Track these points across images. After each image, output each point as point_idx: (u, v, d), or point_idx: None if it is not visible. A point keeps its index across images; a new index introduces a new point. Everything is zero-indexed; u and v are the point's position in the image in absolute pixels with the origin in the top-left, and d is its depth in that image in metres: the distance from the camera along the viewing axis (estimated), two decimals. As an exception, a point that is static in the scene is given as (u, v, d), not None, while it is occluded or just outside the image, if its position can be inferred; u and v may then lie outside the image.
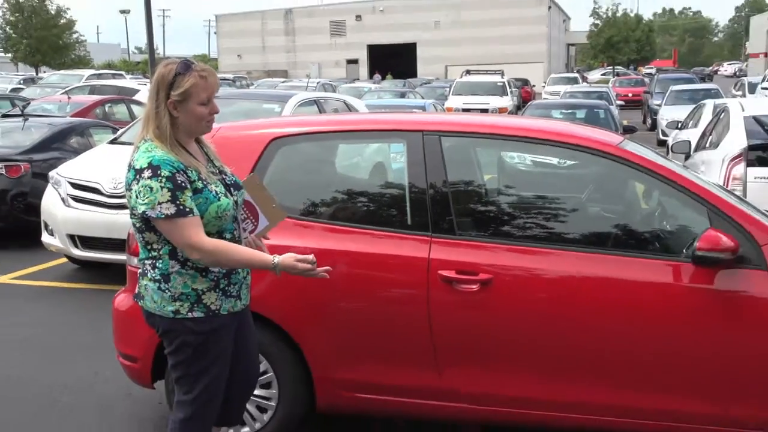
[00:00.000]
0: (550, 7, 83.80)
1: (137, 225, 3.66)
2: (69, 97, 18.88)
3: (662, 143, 21.40)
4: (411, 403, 4.68)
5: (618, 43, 75.39)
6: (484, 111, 27.88)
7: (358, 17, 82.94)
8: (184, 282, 3.61)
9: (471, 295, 4.47)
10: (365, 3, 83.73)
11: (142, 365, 4.97)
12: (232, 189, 3.77)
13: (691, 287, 4.38)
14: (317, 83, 32.82)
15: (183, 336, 3.66)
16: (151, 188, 3.41)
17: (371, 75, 67.04)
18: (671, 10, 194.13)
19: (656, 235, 4.75)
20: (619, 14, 78.00)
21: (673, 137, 16.42)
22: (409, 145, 4.78)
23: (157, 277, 3.65)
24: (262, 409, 4.79)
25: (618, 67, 74.53)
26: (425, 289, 4.48)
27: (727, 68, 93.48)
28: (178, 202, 3.43)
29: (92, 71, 44.33)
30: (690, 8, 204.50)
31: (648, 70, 74.65)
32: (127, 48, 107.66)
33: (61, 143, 11.77)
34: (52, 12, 58.66)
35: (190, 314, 3.62)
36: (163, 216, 3.43)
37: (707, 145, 10.50)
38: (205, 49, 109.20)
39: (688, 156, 11.56)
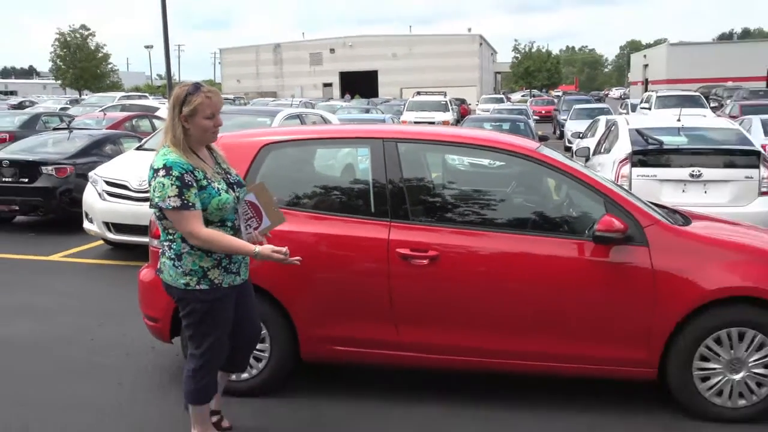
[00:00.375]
0: (481, 44, 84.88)
1: (156, 213, 3.77)
2: (104, 114, 18.87)
3: (568, 149, 21.56)
4: (375, 353, 4.68)
5: (533, 72, 76.44)
6: (431, 123, 27.96)
7: (332, 50, 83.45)
8: (193, 260, 3.68)
9: (422, 268, 4.48)
10: (338, 39, 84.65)
11: (162, 324, 4.97)
12: (234, 187, 3.81)
13: (592, 260, 4.42)
14: (300, 102, 32.72)
15: (193, 303, 3.73)
16: (164, 184, 3.50)
17: (342, 95, 67.14)
18: (573, 47, 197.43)
19: (565, 220, 4.79)
20: (533, 50, 79.08)
21: (576, 144, 16.58)
22: (372, 149, 4.78)
23: (172, 256, 3.72)
24: (257, 359, 4.76)
25: (534, 90, 75.10)
26: (386, 264, 4.50)
27: (615, 92, 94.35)
28: (183, 197, 3.51)
29: (123, 93, 44.76)
30: (587, 46, 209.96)
31: (556, 93, 75.22)
32: (150, 75, 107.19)
33: (98, 150, 11.74)
34: (92, 48, 60.06)
35: (198, 286, 3.70)
36: (170, 207, 3.52)
37: (602, 150, 10.62)
38: (212, 76, 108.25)
39: (587, 159, 11.66)
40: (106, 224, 9.09)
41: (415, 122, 28.07)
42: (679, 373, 4.46)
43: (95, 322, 6.60)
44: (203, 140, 3.73)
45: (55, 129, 15.96)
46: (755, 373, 4.45)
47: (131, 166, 9.38)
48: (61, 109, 30.41)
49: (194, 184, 3.55)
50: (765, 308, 4.38)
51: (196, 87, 3.64)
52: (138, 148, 10.64)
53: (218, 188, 3.66)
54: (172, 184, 3.49)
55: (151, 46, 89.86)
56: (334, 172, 5.48)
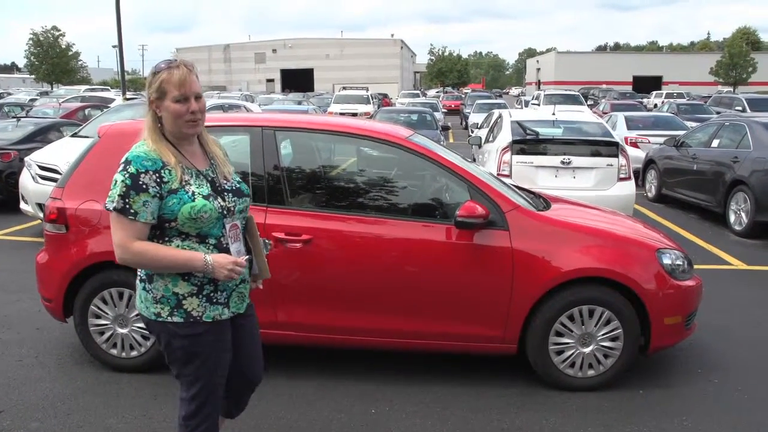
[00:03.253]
0: (402, 47, 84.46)
1: None
2: (60, 103, 17.72)
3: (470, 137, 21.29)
4: None
5: (446, 72, 76.64)
6: (354, 114, 27.35)
7: (275, 50, 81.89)
8: (165, 285, 2.46)
9: (296, 251, 3.91)
10: (279, 40, 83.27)
11: (55, 305, 4.32)
12: (228, 195, 2.53)
13: (457, 243, 3.95)
14: (242, 95, 31.58)
15: (168, 337, 2.51)
16: (116, 181, 2.39)
17: (283, 90, 65.75)
18: (480, 52, 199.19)
19: (433, 205, 4.27)
20: (446, 53, 79.25)
21: (473, 134, 16.24)
22: (252, 137, 4.14)
23: (143, 277, 2.53)
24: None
25: (447, 87, 75.02)
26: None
27: (514, 91, 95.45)
28: (127, 200, 2.35)
29: (87, 87, 42.98)
30: (492, 51, 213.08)
31: (466, 91, 75.40)
32: (119, 71, 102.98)
33: (43, 136, 10.84)
34: (63, 46, 57.84)
35: (170, 318, 2.47)
36: (109, 207, 2.40)
37: (490, 139, 10.22)
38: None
39: (480, 146, 11.28)
40: (39, 205, 8.25)
41: (340, 114, 27.41)
42: (536, 348, 4.05)
43: (15, 297, 5.83)
44: (176, 131, 2.46)
45: (13, 117, 14.87)
46: (603, 346, 4.08)
47: (63, 151, 8.72)
48: (31, 100, 28.53)
49: (149, 189, 2.36)
50: (612, 287, 4.01)
51: (167, 63, 2.46)
52: (73, 135, 9.97)
53: (193, 193, 2.42)
54: (122, 182, 2.36)
55: (117, 46, 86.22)
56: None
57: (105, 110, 11.80)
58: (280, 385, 4.10)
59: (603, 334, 4.06)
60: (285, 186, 4.06)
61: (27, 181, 8.60)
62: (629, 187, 7.90)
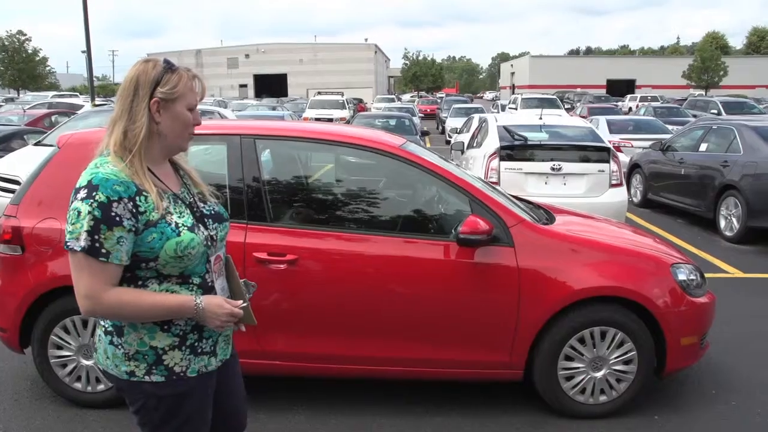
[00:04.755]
0: (376, 52, 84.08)
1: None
2: (24, 110, 17.09)
3: (448, 143, 21.03)
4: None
5: (420, 77, 76.74)
6: (330, 120, 26.98)
7: (247, 56, 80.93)
8: (140, 338, 1.97)
9: (280, 273, 3.53)
10: (252, 45, 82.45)
11: (10, 335, 3.87)
12: (208, 221, 2.07)
13: (457, 262, 3.60)
14: (214, 100, 31.01)
15: (143, 399, 2.02)
16: (79, 213, 1.84)
17: (256, 95, 65.09)
18: (454, 56, 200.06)
19: (431, 220, 3.91)
20: (420, 58, 79.33)
21: (454, 139, 15.96)
22: (229, 147, 3.74)
23: (110, 329, 2.01)
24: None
25: (422, 92, 74.96)
26: (242, 269, 3.45)
27: (488, 95, 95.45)
28: (96, 237, 1.83)
29: (55, 93, 42.10)
30: (465, 56, 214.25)
31: (440, 95, 75.40)
32: (88, 77, 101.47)
33: (5, 145, 10.22)
34: (30, 51, 56.45)
35: (148, 377, 1.98)
36: (73, 247, 1.85)
37: (474, 145, 9.90)
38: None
39: (462, 152, 10.98)
40: (-1, 217, 7.71)
41: (316, 119, 26.99)
42: (544, 374, 3.72)
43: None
44: (174, 144, 2.02)
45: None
46: (615, 369, 3.77)
47: (24, 161, 8.08)
48: (-5, 107, 27.65)
49: (123, 222, 1.86)
50: (625, 307, 3.70)
51: (172, 64, 2.01)
52: (36, 144, 9.36)
53: (177, 225, 1.95)
54: (89, 213, 1.82)
55: (85, 51, 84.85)
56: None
57: (72, 117, 11.23)
58: (267, 419, 3.72)
59: (616, 358, 3.75)
60: (267, 200, 3.67)
61: None
62: (621, 194, 7.65)
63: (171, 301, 1.93)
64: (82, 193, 1.85)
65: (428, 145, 22.66)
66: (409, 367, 3.69)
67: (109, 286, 1.88)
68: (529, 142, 7.92)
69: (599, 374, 3.77)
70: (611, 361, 3.75)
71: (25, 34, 56.82)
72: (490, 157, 7.79)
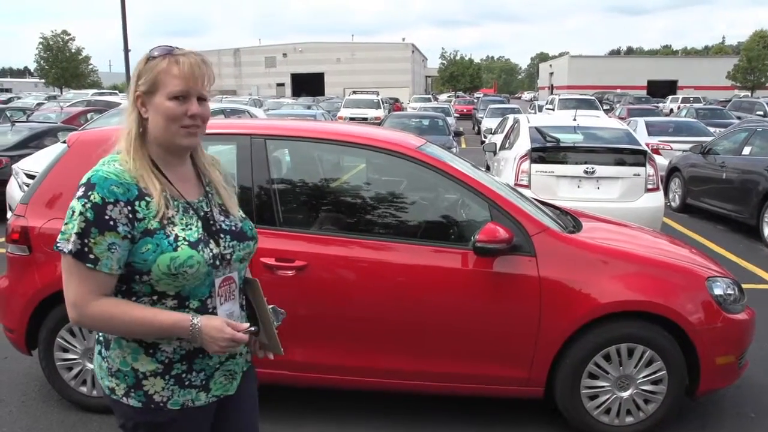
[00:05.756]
0: (413, 51, 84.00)
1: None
2: (62, 108, 17.30)
3: (483, 143, 20.72)
4: None
5: (457, 76, 76.28)
6: (365, 119, 26.89)
7: (285, 55, 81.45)
8: (123, 357, 1.78)
9: (288, 280, 3.37)
10: (289, 45, 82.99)
11: (17, 336, 3.80)
12: (224, 237, 1.83)
13: (474, 271, 3.39)
14: (250, 99, 31.20)
15: (122, 419, 1.84)
16: (73, 212, 1.68)
17: (294, 94, 65.45)
18: (492, 56, 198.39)
19: (447, 227, 3.71)
20: (458, 57, 78.91)
21: (488, 140, 15.69)
22: (239, 146, 3.59)
23: (100, 338, 1.86)
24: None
25: (459, 92, 74.51)
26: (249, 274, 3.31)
27: (527, 95, 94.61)
28: (85, 241, 1.65)
29: (95, 90, 42.82)
30: (504, 56, 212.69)
31: (478, 95, 74.92)
32: (127, 75, 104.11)
33: (37, 142, 10.28)
34: (73, 50, 57.77)
35: (125, 399, 1.79)
36: (61, 249, 1.68)
37: (506, 146, 9.66)
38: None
39: (495, 153, 10.72)
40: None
41: (350, 118, 26.92)
42: (566, 392, 3.49)
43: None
44: (165, 140, 1.76)
45: (14, 122, 14.48)
46: (643, 389, 3.52)
47: (50, 158, 8.09)
48: (38, 104, 28.16)
49: (117, 227, 1.66)
50: (655, 322, 3.45)
51: (167, 49, 1.77)
52: (65, 141, 9.33)
53: (176, 237, 1.72)
54: (80, 214, 1.65)
55: (130, 50, 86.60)
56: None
57: (104, 114, 11.25)
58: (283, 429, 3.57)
59: (644, 377, 3.50)
60: (276, 203, 3.52)
61: (14, 190, 8.09)
62: (658, 199, 7.32)
63: (164, 319, 1.71)
64: (79, 191, 1.69)
65: (463, 146, 22.40)
66: (421, 381, 3.50)
67: (97, 295, 1.69)
68: (562, 144, 7.66)
69: (626, 394, 3.53)
70: (639, 381, 3.51)
71: (69, 34, 58.11)
72: (520, 159, 7.55)
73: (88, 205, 1.65)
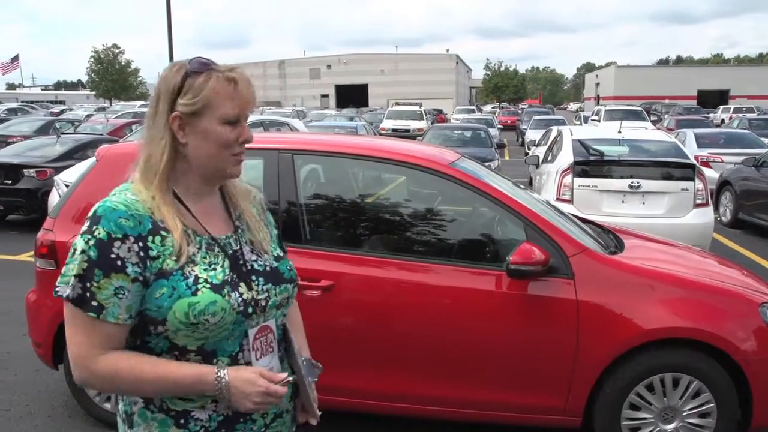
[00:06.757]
0: (457, 62, 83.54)
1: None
2: (107, 120, 17.74)
3: (527, 155, 20.38)
4: None
5: (501, 87, 75.72)
6: (407, 131, 26.81)
7: (329, 66, 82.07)
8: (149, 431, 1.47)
9: (314, 300, 3.24)
10: (333, 56, 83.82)
11: (44, 350, 3.78)
12: (257, 280, 1.53)
13: (507, 294, 3.22)
14: (293, 110, 31.43)
15: None
16: (74, 249, 1.40)
17: (338, 105, 65.91)
18: (537, 67, 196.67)
19: (479, 247, 3.54)
20: (502, 68, 78.38)
21: (531, 152, 15.41)
22: (266, 162, 3.49)
23: (122, 413, 1.53)
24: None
25: (503, 102, 73.97)
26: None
27: (572, 106, 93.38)
28: (87, 284, 1.37)
29: (142, 102, 43.83)
30: (549, 66, 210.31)
31: (523, 106, 74.25)
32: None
33: (81, 154, 10.49)
34: (122, 63, 59.42)
35: None
36: (60, 294, 1.41)
37: (549, 159, 9.42)
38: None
39: (537, 166, 10.47)
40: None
41: (392, 130, 26.85)
42: (606, 423, 3.27)
43: (23, 331, 5.36)
44: (214, 171, 1.52)
45: (63, 134, 14.84)
46: (690, 423, 3.28)
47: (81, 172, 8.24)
48: (88, 116, 28.94)
49: (126, 269, 1.38)
50: (703, 351, 3.21)
51: (204, 63, 1.48)
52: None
53: (196, 278, 1.43)
54: (82, 253, 1.38)
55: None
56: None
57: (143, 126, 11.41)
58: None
59: (690, 409, 3.26)
60: (303, 220, 3.41)
61: (54, 201, 8.21)
62: (707, 214, 6.99)
63: (183, 374, 1.41)
64: (84, 226, 1.41)
65: (506, 158, 22.07)
66: (451, 408, 3.33)
67: (103, 349, 1.38)
68: (606, 158, 7.38)
69: (670, 427, 3.29)
70: (685, 413, 3.27)
71: (119, 47, 59.91)
72: (563, 172, 7.31)
73: (92, 242, 1.36)
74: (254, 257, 1.55)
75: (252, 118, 9.76)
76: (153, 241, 1.41)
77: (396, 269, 3.31)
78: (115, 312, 1.38)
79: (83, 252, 1.37)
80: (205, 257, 1.46)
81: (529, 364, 3.24)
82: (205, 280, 1.42)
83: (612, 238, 3.93)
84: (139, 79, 62.30)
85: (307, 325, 3.25)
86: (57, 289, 1.41)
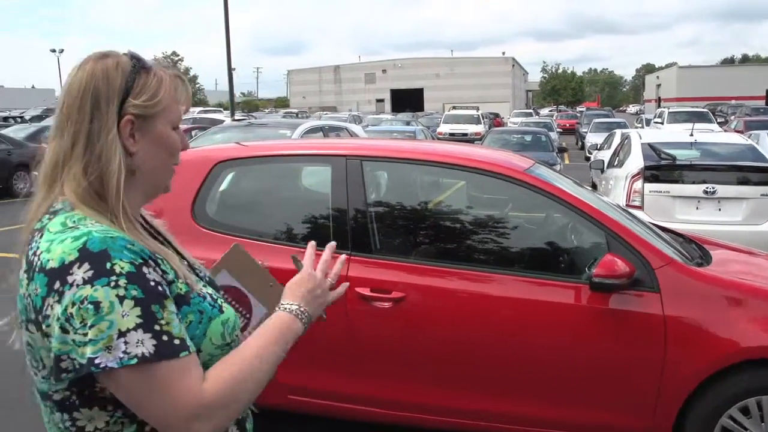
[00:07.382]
0: (513, 66, 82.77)
1: (57, 391, 1.15)
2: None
3: (588, 159, 19.85)
4: (328, 405, 3.31)
5: (559, 90, 74.72)
6: (464, 135, 26.60)
7: (384, 71, 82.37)
8: None
9: (385, 312, 3.13)
10: (389, 61, 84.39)
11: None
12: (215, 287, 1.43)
13: (588, 308, 3.04)
14: (349, 115, 31.59)
15: None
16: (98, 305, 1.05)
17: (393, 110, 66.03)
18: (595, 69, 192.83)
19: (559, 257, 3.38)
20: (559, 71, 77.25)
21: (594, 156, 14.99)
22: (334, 168, 3.40)
23: None
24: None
25: (561, 106, 72.81)
26: (343, 305, 3.08)
27: (632, 108, 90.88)
28: (157, 327, 1.09)
29: (201, 108, 44.85)
30: (607, 68, 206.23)
31: (581, 109, 72.88)
32: (230, 93, 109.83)
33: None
34: (182, 71, 60.20)
35: None
36: (133, 361, 1.05)
37: (615, 163, 9.10)
38: (284, 93, 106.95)
39: (602, 171, 10.15)
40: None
41: (450, 134, 26.70)
42: (695, 448, 3.06)
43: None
44: (161, 183, 1.30)
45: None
46: (790, 450, 3.03)
47: None
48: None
49: (166, 290, 1.14)
50: (805, 372, 2.96)
51: (142, 59, 1.24)
52: None
53: (211, 296, 1.27)
54: (122, 299, 1.06)
55: (234, 69, 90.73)
56: (293, 194, 3.93)
57: (207, 130, 11.50)
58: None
59: (791, 435, 3.01)
60: (373, 229, 3.30)
61: None
62: (789, 222, 6.59)
63: (270, 336, 1.27)
64: (83, 273, 1.07)
65: (566, 162, 21.58)
66: (524, 427, 3.16)
67: (201, 380, 1.14)
68: (678, 162, 7.08)
69: (767, 453, 3.05)
70: (784, 439, 3.02)
71: (179, 55, 61.84)
72: (632, 178, 7.03)
73: (122, 282, 1.08)
74: (197, 270, 1.38)
75: (311, 123, 9.72)
76: (160, 262, 1.18)
77: (470, 281, 3.16)
78: (189, 342, 1.15)
79: (121, 298, 1.07)
80: (191, 277, 1.27)
81: (610, 382, 3.05)
82: (213, 295, 1.28)
83: (695, 247, 3.69)
84: (197, 85, 64.25)
85: (378, 337, 3.17)
86: (99, 361, 1.05)
